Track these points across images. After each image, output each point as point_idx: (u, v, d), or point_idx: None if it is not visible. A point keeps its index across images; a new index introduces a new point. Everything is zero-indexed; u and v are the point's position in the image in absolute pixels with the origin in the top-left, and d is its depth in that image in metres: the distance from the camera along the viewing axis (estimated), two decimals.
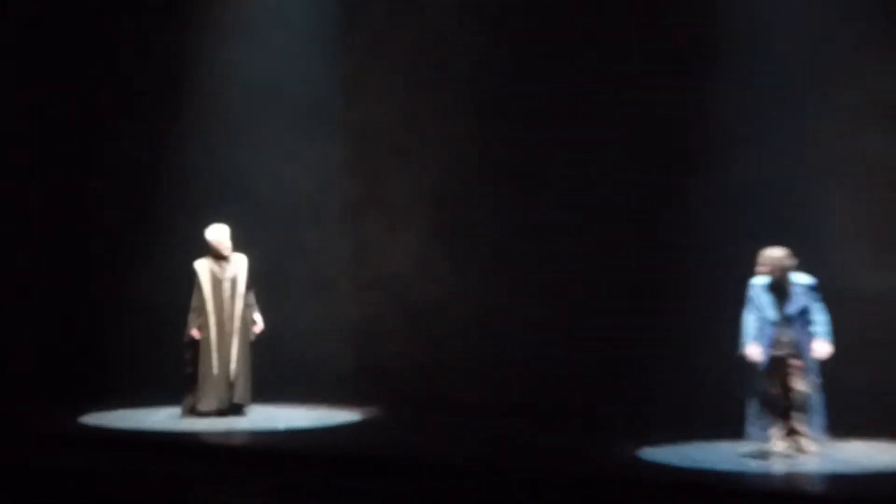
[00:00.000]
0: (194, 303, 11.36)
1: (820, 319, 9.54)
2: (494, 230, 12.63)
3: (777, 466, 8.74)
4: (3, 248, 13.25)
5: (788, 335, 9.52)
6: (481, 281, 12.62)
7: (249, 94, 13.45)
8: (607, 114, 12.17)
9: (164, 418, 11.29)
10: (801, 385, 9.42)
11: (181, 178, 13.62)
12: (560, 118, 12.39)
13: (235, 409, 11.39)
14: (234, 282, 11.41)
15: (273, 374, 12.07)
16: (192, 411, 11.38)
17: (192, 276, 11.50)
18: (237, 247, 11.68)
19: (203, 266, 11.53)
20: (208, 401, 11.34)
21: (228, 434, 10.76)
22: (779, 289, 9.56)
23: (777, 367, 9.50)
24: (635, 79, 11.97)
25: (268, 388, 11.98)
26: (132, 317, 13.58)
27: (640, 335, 11.79)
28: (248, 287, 11.48)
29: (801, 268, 9.88)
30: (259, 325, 11.52)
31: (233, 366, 11.26)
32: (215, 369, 11.28)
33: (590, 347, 11.98)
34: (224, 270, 11.42)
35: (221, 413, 11.29)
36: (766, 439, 9.34)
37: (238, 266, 11.52)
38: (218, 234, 11.56)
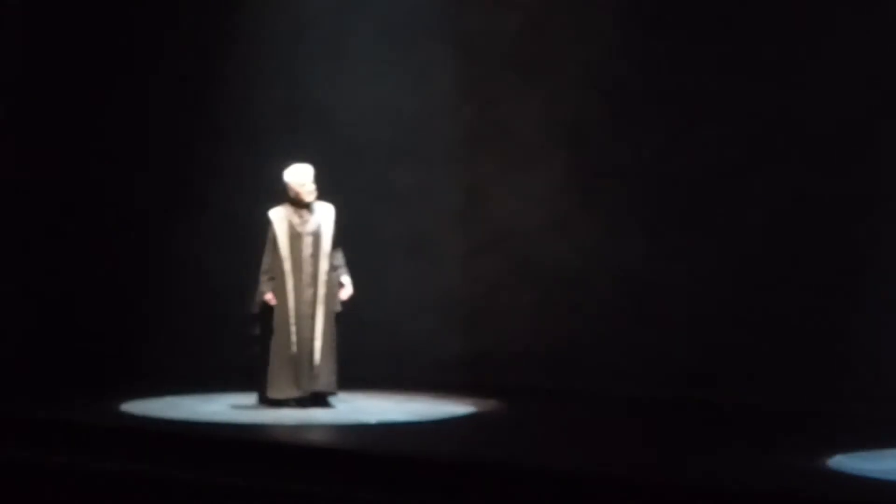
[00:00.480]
0: (267, 262, 10.94)
1: None
2: (647, 174, 12.03)
3: None
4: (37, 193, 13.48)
5: None
6: (629, 241, 12.06)
7: None
8: (799, 25, 11.47)
9: (222, 408, 10.92)
10: None
11: (243, 107, 13.33)
12: (733, 29, 11.67)
13: (318, 399, 10.90)
14: (317, 236, 10.89)
15: (362, 355, 11.64)
16: (263, 400, 10.95)
17: (262, 229, 11.02)
18: (322, 193, 11.16)
19: (279, 216, 10.93)
20: (283, 387, 10.86)
21: (305, 429, 10.36)
22: None
23: None
24: None
25: (356, 373, 11.49)
26: (183, 281, 13.32)
27: (823, 317, 11.28)
28: (335, 244, 10.95)
29: None
30: (348, 289, 10.97)
31: (317, 343, 10.85)
32: (293, 347, 10.83)
33: (764, 330, 11.47)
34: (306, 222, 10.95)
35: (300, 402, 10.84)
36: None
37: (323, 217, 10.95)
38: (299, 175, 10.92)
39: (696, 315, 11.87)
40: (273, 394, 10.99)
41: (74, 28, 13.62)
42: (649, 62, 12.12)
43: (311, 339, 10.95)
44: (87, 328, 13.32)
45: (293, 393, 10.95)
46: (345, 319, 11.20)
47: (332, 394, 11.05)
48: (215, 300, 12.95)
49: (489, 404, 11.41)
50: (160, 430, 10.33)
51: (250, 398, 11.17)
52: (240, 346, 11.37)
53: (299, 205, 11.10)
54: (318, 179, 11.20)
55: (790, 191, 11.53)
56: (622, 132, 12.24)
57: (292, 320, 10.99)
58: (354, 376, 11.60)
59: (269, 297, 10.96)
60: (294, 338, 10.96)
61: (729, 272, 11.77)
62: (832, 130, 11.44)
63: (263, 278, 11.02)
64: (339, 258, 11.09)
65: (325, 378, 10.98)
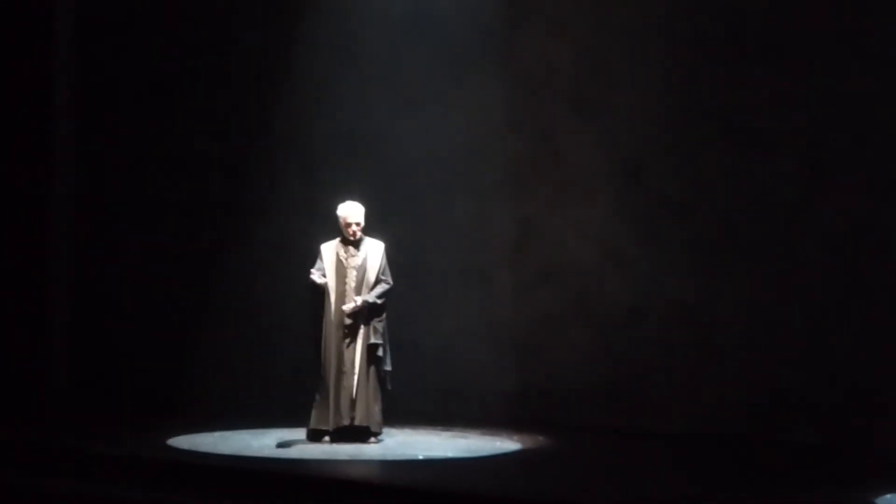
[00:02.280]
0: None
1: None
2: (707, 208, 11.94)
3: None
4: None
5: None
6: (686, 275, 11.98)
7: (385, 27, 13.01)
8: (858, 55, 11.35)
9: (271, 442, 10.92)
10: None
11: (298, 138, 13.33)
12: (794, 62, 11.57)
13: (359, 434, 10.92)
14: (362, 270, 10.98)
15: (411, 389, 11.59)
16: (309, 433, 11.02)
17: (314, 261, 11.06)
18: (376, 225, 11.22)
19: (329, 249, 11.10)
20: (322, 419, 10.95)
21: (352, 464, 10.34)
22: None
23: None
24: None
25: (409, 406, 11.57)
26: (235, 314, 13.22)
27: (882, 354, 11.10)
28: (379, 279, 11.01)
29: None
30: (356, 302, 10.88)
31: (355, 377, 10.92)
32: (332, 380, 10.93)
33: (829, 370, 11.33)
34: (352, 256, 11.05)
35: (338, 436, 10.88)
36: None
37: (371, 252, 11.06)
38: (346, 210, 11.07)
39: (752, 351, 11.74)
40: (312, 424, 11.05)
41: (127, 55, 13.69)
42: (705, 95, 12.02)
43: (351, 373, 11.02)
44: (138, 361, 13.35)
45: (329, 425, 10.98)
46: (396, 355, 11.21)
47: (372, 428, 11.01)
48: (269, 334, 12.98)
49: (538, 441, 11.37)
50: (207, 465, 10.33)
51: (300, 433, 11.17)
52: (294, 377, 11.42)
53: (347, 240, 11.21)
54: (372, 212, 11.18)
55: (849, 226, 11.41)
56: (678, 166, 12.16)
57: (333, 353, 11.06)
58: (407, 410, 11.59)
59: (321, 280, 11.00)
60: (333, 371, 11.05)
61: (786, 307, 11.63)
62: (891, 163, 11.32)
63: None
64: (380, 290, 11.07)
65: (363, 412, 10.98)
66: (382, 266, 11.10)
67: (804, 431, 11.42)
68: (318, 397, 11.07)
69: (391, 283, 11.09)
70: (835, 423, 11.37)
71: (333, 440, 10.97)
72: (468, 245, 12.91)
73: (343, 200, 11.26)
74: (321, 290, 11.07)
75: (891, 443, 11.00)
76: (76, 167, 13.48)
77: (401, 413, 11.51)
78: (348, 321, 11.03)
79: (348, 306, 11.01)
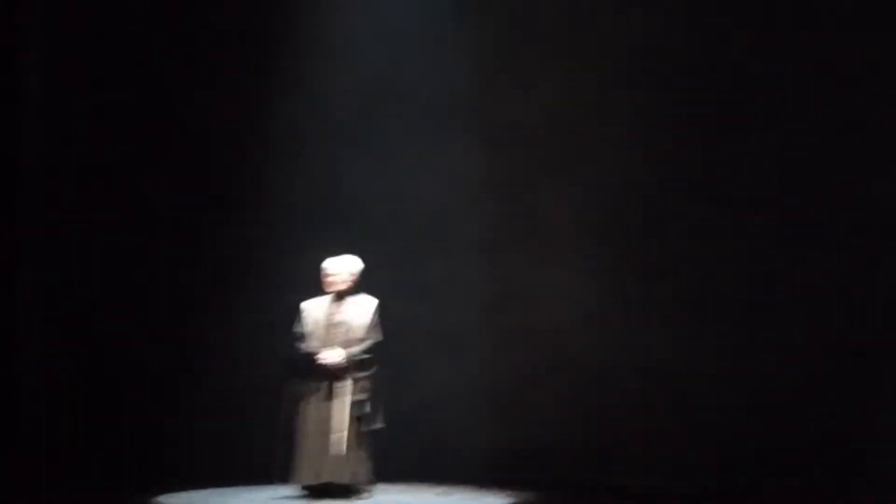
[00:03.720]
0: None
1: None
2: (682, 267, 12.10)
3: None
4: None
5: None
6: (661, 333, 12.08)
7: (357, 88, 12.91)
8: (835, 116, 11.64)
9: (262, 499, 10.91)
10: None
11: (276, 198, 13.18)
12: (769, 121, 11.82)
13: (344, 490, 10.83)
14: (346, 327, 10.91)
15: (395, 448, 11.37)
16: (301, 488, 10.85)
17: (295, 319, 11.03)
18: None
19: (313, 307, 10.99)
20: (305, 474, 10.83)
21: None
22: None
23: None
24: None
25: (389, 465, 11.37)
26: (219, 370, 12.99)
27: (855, 409, 11.30)
28: (367, 336, 10.91)
29: None
30: (337, 356, 10.76)
31: (336, 434, 10.77)
32: (317, 434, 10.80)
33: (806, 427, 11.46)
34: (337, 312, 10.99)
35: (321, 492, 10.77)
36: None
37: (360, 309, 10.96)
38: (329, 263, 11.04)
39: (727, 408, 11.84)
40: (298, 480, 10.90)
41: (98, 110, 13.64)
42: (680, 155, 12.21)
43: (337, 430, 10.92)
44: (121, 419, 13.19)
45: (314, 481, 10.84)
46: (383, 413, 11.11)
47: (360, 486, 10.89)
48: (247, 395, 12.90)
49: (526, 497, 11.34)
50: None
51: (292, 490, 11.08)
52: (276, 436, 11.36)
53: (336, 295, 11.15)
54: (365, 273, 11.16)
55: (826, 284, 11.63)
56: (652, 227, 12.32)
57: (318, 409, 10.98)
58: (391, 469, 11.49)
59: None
60: (318, 426, 10.88)
61: (760, 364, 11.78)
62: (864, 219, 11.55)
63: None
64: (365, 345, 10.96)
65: (350, 469, 10.86)
66: (374, 322, 10.99)
67: (784, 484, 11.48)
68: (299, 452, 10.88)
69: (380, 338, 10.98)
70: (811, 480, 11.45)
71: (318, 497, 10.83)
72: (444, 306, 12.80)
73: (320, 259, 11.20)
74: (314, 358, 10.95)
75: (872, 497, 11.04)
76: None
77: (391, 472, 11.43)
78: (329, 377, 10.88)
79: (330, 358, 10.84)
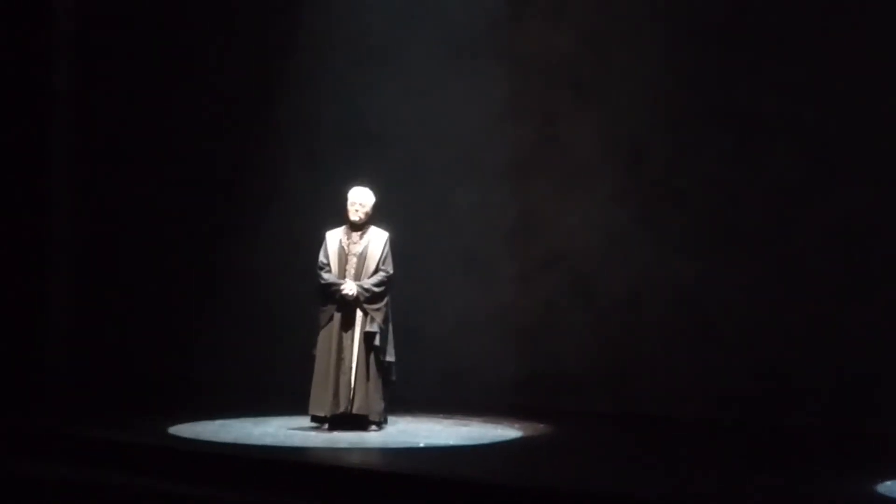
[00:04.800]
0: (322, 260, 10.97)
1: None
2: (708, 194, 11.98)
3: None
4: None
5: None
6: (688, 261, 11.98)
7: (386, 15, 13.03)
8: (861, 46, 11.33)
9: (273, 430, 10.96)
10: None
11: (301, 128, 13.41)
12: (795, 49, 11.61)
13: (359, 421, 10.92)
14: (362, 258, 10.98)
15: (414, 378, 11.55)
16: (311, 419, 11.03)
17: (317, 250, 11.07)
18: (380, 213, 11.16)
19: (333, 236, 11.10)
20: (320, 405, 10.96)
21: (352, 451, 10.29)
22: None
23: None
24: None
25: (410, 394, 11.49)
26: (240, 301, 13.23)
27: (883, 337, 11.15)
28: (379, 268, 10.97)
29: None
30: (351, 290, 10.78)
31: (353, 364, 10.90)
32: (332, 367, 10.93)
33: (830, 356, 11.35)
34: (354, 244, 11.04)
35: (340, 422, 10.89)
36: None
37: (374, 241, 11.03)
38: (352, 194, 11.07)
39: (753, 336, 11.77)
40: (311, 410, 11.02)
41: (126, 47, 13.78)
42: (706, 81, 12.04)
43: (349, 361, 11.09)
44: (139, 349, 13.43)
45: (327, 412, 10.95)
46: (397, 341, 11.16)
47: (371, 417, 10.96)
48: (273, 321, 13.04)
49: (539, 428, 11.35)
50: (208, 452, 10.30)
51: (303, 420, 11.16)
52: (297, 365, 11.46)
53: (352, 226, 11.22)
54: (379, 201, 11.16)
55: (850, 212, 11.43)
56: (679, 152, 12.17)
57: (333, 340, 11.13)
58: (409, 398, 11.60)
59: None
60: (333, 358, 11.11)
61: (787, 293, 11.66)
62: (891, 150, 11.33)
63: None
64: (377, 278, 10.98)
65: (362, 400, 10.94)
66: (384, 255, 11.03)
67: (805, 417, 11.41)
68: (315, 382, 10.96)
69: (391, 272, 10.99)
70: (836, 409, 11.40)
71: (332, 427, 10.92)
72: (469, 232, 12.86)
73: (349, 187, 11.18)
74: (334, 288, 10.98)
75: (891, 429, 10.96)
76: (75, 161, 13.56)
77: (403, 401, 11.53)
78: (345, 307, 10.91)
79: (346, 289, 10.91)
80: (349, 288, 10.89)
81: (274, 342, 12.81)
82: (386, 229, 11.19)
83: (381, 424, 11.05)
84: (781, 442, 11.02)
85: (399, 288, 11.26)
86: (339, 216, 11.18)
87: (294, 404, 11.44)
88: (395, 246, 11.19)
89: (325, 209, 11.69)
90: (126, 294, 13.53)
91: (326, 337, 11.06)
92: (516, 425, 11.43)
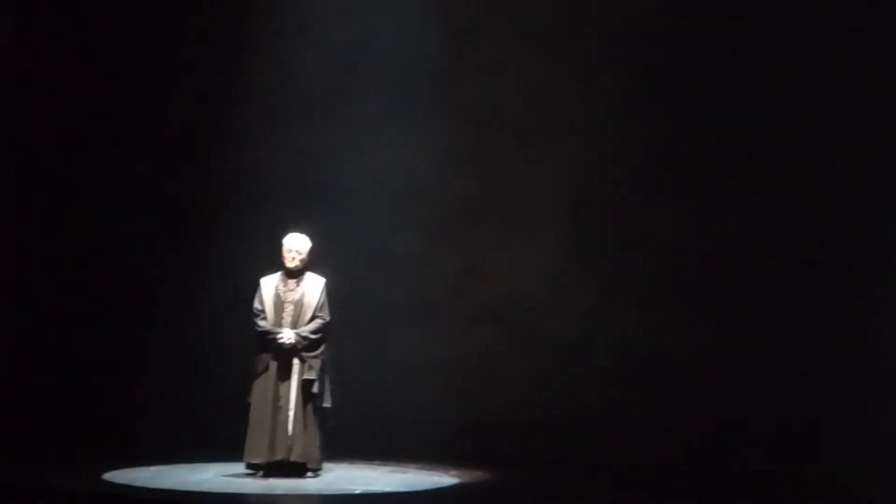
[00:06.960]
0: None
1: None
2: (650, 242, 12.07)
3: None
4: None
5: None
6: (632, 310, 12.12)
7: (328, 61, 12.97)
8: (802, 93, 11.53)
9: (209, 477, 10.87)
10: None
11: (245, 174, 13.26)
12: (737, 99, 11.74)
13: (296, 468, 10.87)
14: (299, 305, 10.93)
15: (353, 425, 11.55)
16: (247, 466, 10.92)
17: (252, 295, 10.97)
18: (322, 260, 11.13)
19: (269, 283, 11.04)
20: (256, 452, 10.87)
21: (288, 498, 10.26)
22: None
23: None
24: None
25: (351, 442, 11.48)
26: (175, 348, 13.12)
27: (824, 383, 11.30)
28: (316, 315, 10.92)
29: None
30: (289, 338, 10.73)
31: (290, 412, 10.84)
32: (268, 414, 10.86)
33: (770, 402, 11.46)
34: (290, 291, 11.01)
35: (277, 469, 10.81)
36: None
37: (310, 288, 11.00)
38: (288, 241, 11.04)
39: (694, 383, 11.87)
40: (247, 458, 11.01)
41: (67, 87, 13.76)
42: (648, 132, 12.20)
43: (286, 409, 11.01)
44: (77, 394, 13.34)
45: (264, 459, 10.88)
46: (337, 389, 11.10)
47: (309, 464, 10.93)
48: (208, 367, 13.00)
49: (475, 475, 11.35)
50: (142, 499, 10.26)
51: (239, 467, 11.11)
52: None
53: (288, 273, 11.21)
54: (317, 247, 11.12)
55: (791, 260, 11.61)
56: (621, 202, 12.30)
57: (270, 388, 11.04)
58: (348, 445, 11.56)
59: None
60: (269, 405, 10.98)
61: (727, 339, 11.81)
62: (834, 201, 11.50)
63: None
64: (314, 325, 10.94)
65: (300, 448, 10.90)
66: (321, 301, 11.02)
67: (748, 462, 11.54)
68: (251, 430, 10.91)
69: (328, 319, 10.98)
70: (778, 454, 11.52)
71: (267, 475, 10.87)
72: (413, 281, 12.86)
73: (288, 233, 11.18)
74: (270, 336, 10.97)
75: (833, 474, 11.08)
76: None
77: (341, 448, 11.50)
78: (282, 356, 10.88)
79: (283, 337, 10.90)
80: (287, 336, 10.88)
81: (208, 390, 12.72)
82: (325, 276, 11.11)
83: (317, 472, 11.02)
84: (725, 487, 11.06)
85: (340, 335, 11.24)
86: (276, 262, 11.13)
87: (229, 452, 11.28)
88: (336, 293, 11.16)
89: (266, 256, 11.54)
90: (65, 339, 13.46)
91: (262, 384, 11.01)
92: (453, 472, 11.45)
